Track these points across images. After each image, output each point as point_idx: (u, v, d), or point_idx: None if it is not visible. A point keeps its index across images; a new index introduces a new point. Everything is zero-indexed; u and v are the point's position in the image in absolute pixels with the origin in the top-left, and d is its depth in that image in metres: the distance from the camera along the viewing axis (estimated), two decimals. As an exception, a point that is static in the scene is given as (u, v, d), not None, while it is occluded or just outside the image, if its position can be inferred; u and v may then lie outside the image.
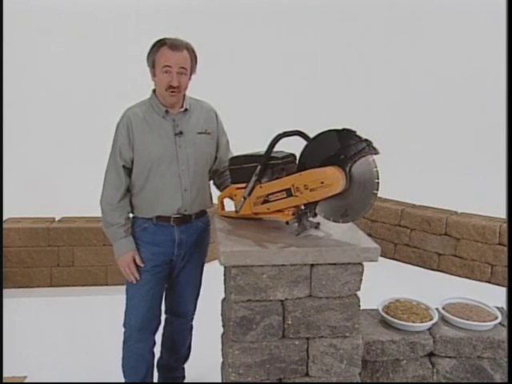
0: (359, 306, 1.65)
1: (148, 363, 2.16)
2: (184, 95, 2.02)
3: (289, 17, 6.50)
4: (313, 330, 1.63)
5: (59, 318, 3.28)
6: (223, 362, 1.93)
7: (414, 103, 6.38)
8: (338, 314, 1.63)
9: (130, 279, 2.02)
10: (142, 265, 2.01)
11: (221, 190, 2.11)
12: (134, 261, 2.00)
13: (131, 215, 2.07)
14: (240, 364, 1.62)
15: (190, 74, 1.99)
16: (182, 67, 1.91)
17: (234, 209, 1.88)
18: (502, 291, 3.73)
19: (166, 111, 1.98)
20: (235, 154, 2.09)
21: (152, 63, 1.94)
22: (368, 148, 1.53)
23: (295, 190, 1.62)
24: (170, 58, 1.89)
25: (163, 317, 2.25)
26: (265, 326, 1.61)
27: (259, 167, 1.74)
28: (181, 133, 1.98)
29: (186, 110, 2.01)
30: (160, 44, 1.92)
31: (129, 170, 1.99)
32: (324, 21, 6.49)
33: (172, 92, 1.92)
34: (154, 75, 1.96)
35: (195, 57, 1.99)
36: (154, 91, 2.02)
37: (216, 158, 2.15)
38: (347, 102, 6.22)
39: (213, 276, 2.40)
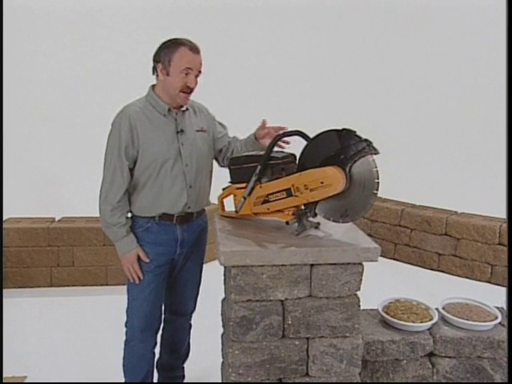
0: (359, 305, 1.65)
1: (149, 363, 2.16)
2: None
3: (290, 17, 6.50)
4: (313, 330, 1.63)
5: (59, 318, 3.28)
6: (223, 362, 1.93)
7: (413, 103, 6.38)
8: (338, 314, 1.63)
9: (133, 278, 2.01)
10: (146, 260, 1.99)
11: (224, 164, 2.16)
12: (138, 260, 1.99)
13: (130, 214, 2.04)
14: (240, 364, 1.62)
15: None
16: (200, 71, 1.93)
17: (234, 209, 1.88)
18: (502, 291, 3.73)
19: (169, 109, 1.97)
20: (235, 154, 2.11)
21: (168, 62, 1.88)
22: (368, 148, 1.53)
23: (295, 190, 1.62)
24: (192, 60, 1.88)
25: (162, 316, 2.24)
26: (265, 326, 1.61)
27: (259, 167, 1.74)
28: (182, 131, 1.98)
29: (186, 109, 2.03)
30: (178, 43, 1.88)
31: (131, 169, 1.97)
32: (325, 21, 6.49)
33: (186, 93, 1.92)
34: (166, 74, 1.90)
35: None
36: (153, 88, 1.99)
37: (221, 150, 2.18)
38: (347, 102, 6.22)
39: (213, 276, 2.40)
